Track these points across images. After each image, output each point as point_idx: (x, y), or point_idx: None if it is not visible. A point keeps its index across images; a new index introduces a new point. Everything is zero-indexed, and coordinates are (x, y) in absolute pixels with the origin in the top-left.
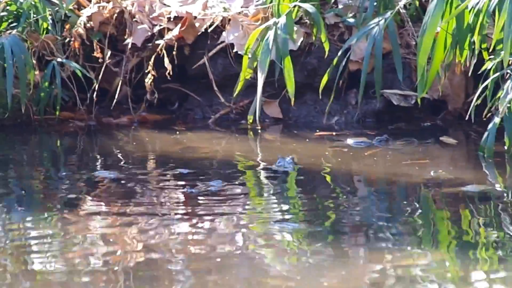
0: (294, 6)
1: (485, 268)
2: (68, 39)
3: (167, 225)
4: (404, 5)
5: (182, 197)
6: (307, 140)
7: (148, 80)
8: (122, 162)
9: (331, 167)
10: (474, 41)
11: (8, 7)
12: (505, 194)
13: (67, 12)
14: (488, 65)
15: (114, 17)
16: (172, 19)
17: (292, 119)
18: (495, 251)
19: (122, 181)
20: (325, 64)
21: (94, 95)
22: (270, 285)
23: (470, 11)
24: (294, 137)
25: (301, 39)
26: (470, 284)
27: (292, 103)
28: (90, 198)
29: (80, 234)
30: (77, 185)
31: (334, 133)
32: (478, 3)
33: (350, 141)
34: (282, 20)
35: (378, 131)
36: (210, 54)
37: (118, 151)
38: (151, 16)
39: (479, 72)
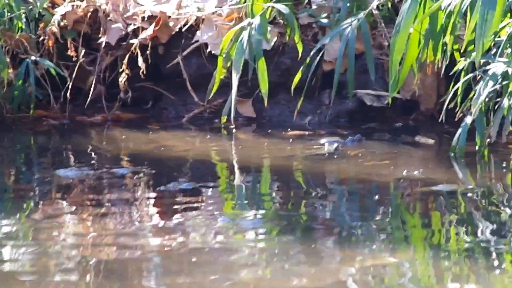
0: (268, 7)
1: (456, 267)
2: (42, 37)
3: (139, 223)
4: (377, 6)
5: (154, 195)
6: (280, 139)
7: (122, 79)
8: (95, 161)
9: (303, 166)
10: (446, 42)
11: None
12: (475, 194)
13: (41, 10)
14: (460, 65)
15: (88, 15)
16: (146, 19)
17: (266, 118)
18: (465, 249)
19: (94, 179)
20: (299, 64)
21: (68, 94)
22: (241, 283)
23: (442, 11)
24: (268, 136)
25: (275, 39)
26: (441, 283)
27: (266, 103)
28: (62, 196)
29: (50, 231)
30: (49, 183)
31: (306, 133)
32: (450, 4)
33: (323, 140)
34: (256, 20)
35: (351, 131)
36: (184, 53)
37: (92, 149)
38: (125, 15)
39: (451, 73)
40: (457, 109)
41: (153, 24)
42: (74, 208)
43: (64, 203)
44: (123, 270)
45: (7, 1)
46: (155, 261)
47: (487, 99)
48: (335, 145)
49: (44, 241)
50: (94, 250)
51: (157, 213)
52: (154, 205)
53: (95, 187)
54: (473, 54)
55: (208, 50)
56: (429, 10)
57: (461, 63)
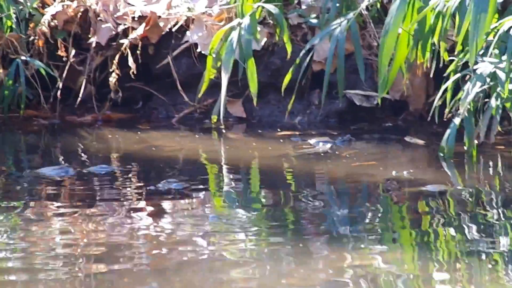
0: (258, 7)
1: (444, 267)
2: (32, 37)
3: (127, 223)
4: (366, 7)
5: (143, 196)
6: (270, 139)
7: (113, 79)
8: (84, 160)
9: (293, 166)
10: (434, 43)
11: None
12: (463, 194)
13: (31, 10)
14: (453, 66)
15: (78, 15)
16: (136, 19)
17: (256, 118)
18: (453, 249)
19: (80, 179)
20: (288, 64)
21: (58, 94)
22: (230, 282)
23: (431, 12)
24: (258, 136)
25: (265, 39)
26: (429, 283)
27: (255, 103)
28: (51, 195)
29: (39, 231)
30: (38, 182)
31: (297, 133)
32: (438, 5)
33: (312, 140)
34: (246, 20)
35: (341, 131)
36: (174, 53)
37: (81, 149)
38: (115, 15)
39: (444, 74)
40: (446, 109)
41: (143, 24)
42: (56, 207)
43: (46, 202)
44: (112, 270)
45: None
46: (144, 260)
47: (475, 100)
48: (329, 145)
49: (26, 242)
50: (81, 250)
51: (147, 212)
52: (144, 204)
53: (81, 187)
54: (464, 54)
55: (198, 50)
56: (420, 14)
57: (454, 64)
